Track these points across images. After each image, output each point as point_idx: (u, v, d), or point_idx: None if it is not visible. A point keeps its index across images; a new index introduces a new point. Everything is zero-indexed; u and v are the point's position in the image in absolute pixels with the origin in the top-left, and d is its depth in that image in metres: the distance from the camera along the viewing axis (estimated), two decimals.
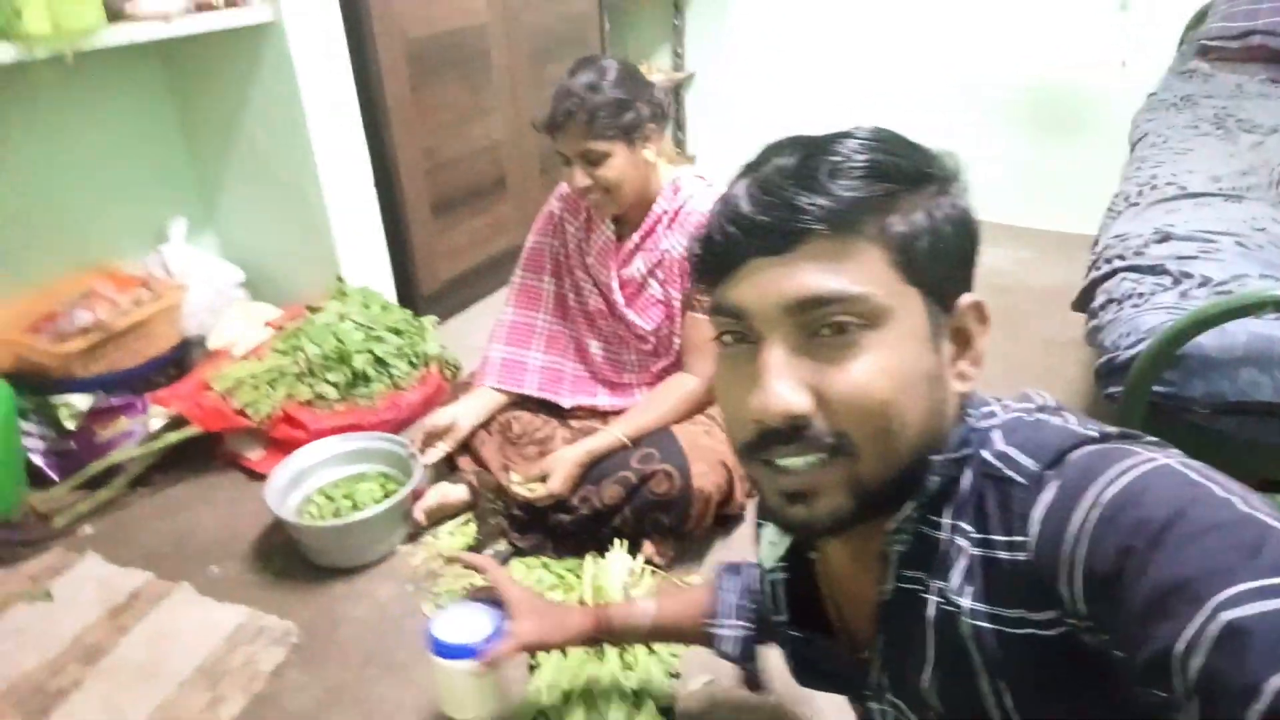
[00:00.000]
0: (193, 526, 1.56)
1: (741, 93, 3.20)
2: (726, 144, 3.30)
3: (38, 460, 1.59)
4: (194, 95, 2.02)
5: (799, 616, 0.65)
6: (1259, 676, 0.32)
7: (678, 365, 1.53)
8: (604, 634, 0.93)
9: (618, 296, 1.53)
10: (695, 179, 1.49)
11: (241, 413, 1.64)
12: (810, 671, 0.67)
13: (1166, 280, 1.23)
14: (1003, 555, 0.47)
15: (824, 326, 0.47)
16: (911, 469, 0.49)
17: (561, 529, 1.41)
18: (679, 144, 3.37)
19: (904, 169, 0.49)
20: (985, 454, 0.50)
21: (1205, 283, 1.18)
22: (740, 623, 0.89)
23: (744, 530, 1.49)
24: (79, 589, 1.38)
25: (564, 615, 0.94)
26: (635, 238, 1.49)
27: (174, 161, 2.08)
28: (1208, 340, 1.06)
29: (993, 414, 0.54)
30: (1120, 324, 1.19)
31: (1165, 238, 1.34)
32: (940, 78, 2.79)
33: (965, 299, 0.52)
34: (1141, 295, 1.22)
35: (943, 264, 0.50)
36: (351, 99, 1.95)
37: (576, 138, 1.34)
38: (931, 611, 0.51)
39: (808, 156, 0.49)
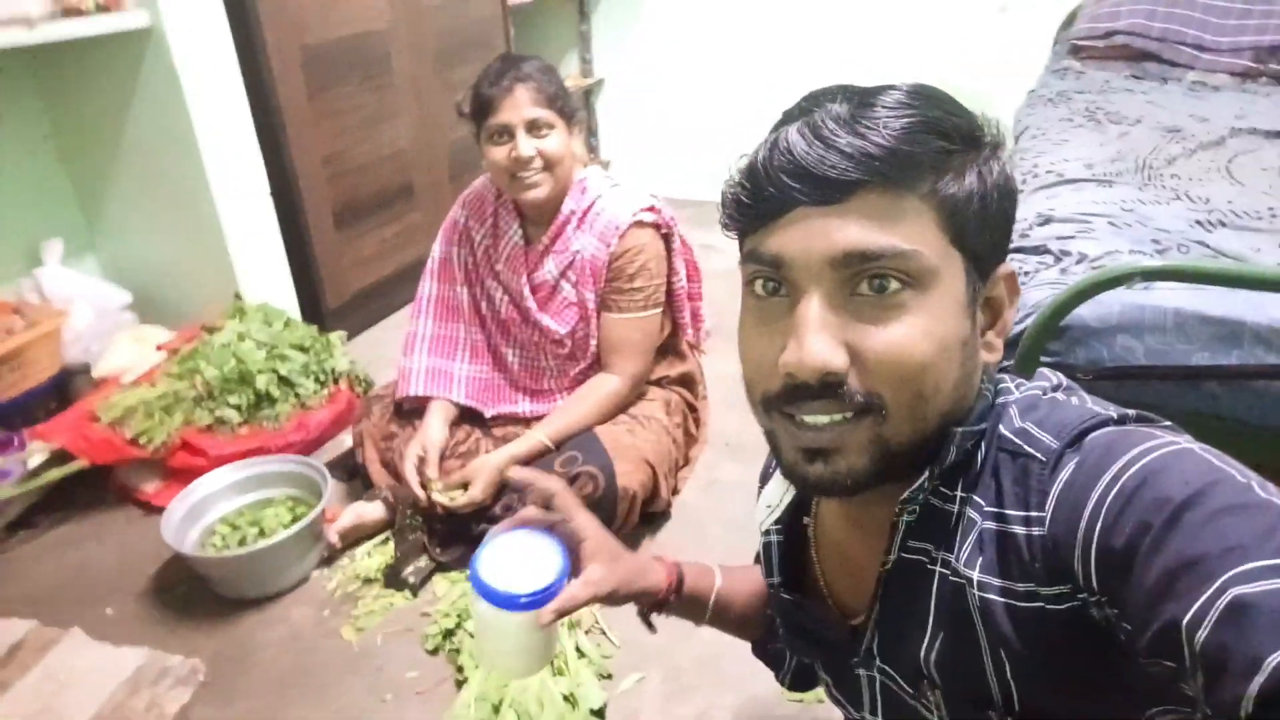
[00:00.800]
0: (83, 567, 1.45)
1: (651, 97, 3.22)
2: (638, 148, 3.32)
3: None
4: (69, 107, 1.88)
5: (790, 581, 0.64)
6: (1261, 650, 0.33)
7: (596, 368, 1.53)
8: (673, 596, 0.75)
9: (530, 302, 1.51)
10: (602, 178, 1.49)
11: (134, 443, 1.53)
12: (798, 636, 0.65)
13: (1049, 259, 1.32)
14: (1017, 530, 0.47)
15: (866, 283, 0.46)
16: (935, 438, 0.49)
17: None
18: (592, 149, 3.37)
19: (960, 128, 0.48)
20: (1002, 429, 0.50)
21: (1082, 259, 1.27)
22: None
23: (671, 527, 1.50)
24: None
25: (641, 561, 0.75)
26: (545, 239, 1.48)
27: (48, 179, 1.93)
28: (1086, 311, 1.14)
29: (1008, 390, 0.53)
30: None
31: (1047, 220, 1.44)
32: (845, 77, 2.89)
33: (1002, 269, 0.52)
34: (1028, 274, 1.30)
35: (988, 231, 0.49)
36: (243, 107, 1.86)
37: (525, 104, 1.34)
38: (937, 583, 0.51)
39: (862, 105, 0.47)
